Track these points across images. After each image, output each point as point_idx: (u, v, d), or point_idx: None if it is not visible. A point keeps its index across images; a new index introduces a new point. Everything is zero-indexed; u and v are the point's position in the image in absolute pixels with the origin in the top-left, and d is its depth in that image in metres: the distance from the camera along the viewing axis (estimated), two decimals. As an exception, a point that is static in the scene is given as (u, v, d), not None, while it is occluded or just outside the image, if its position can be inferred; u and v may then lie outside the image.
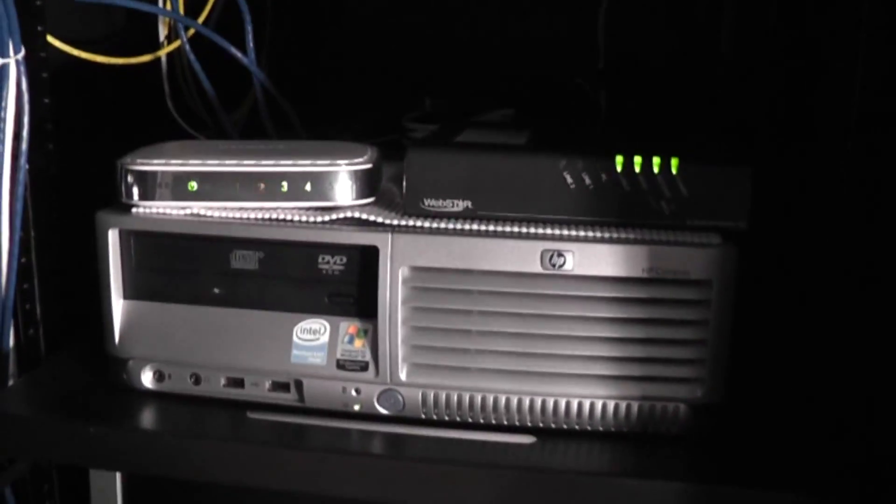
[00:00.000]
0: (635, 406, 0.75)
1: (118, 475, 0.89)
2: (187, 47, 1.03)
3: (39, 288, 0.91)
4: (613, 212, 0.75)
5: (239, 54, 1.02)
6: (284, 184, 0.78)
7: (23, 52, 0.84)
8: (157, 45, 1.07)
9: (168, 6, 1.03)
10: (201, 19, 1.05)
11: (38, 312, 0.91)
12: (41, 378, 0.88)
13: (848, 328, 0.81)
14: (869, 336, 0.77)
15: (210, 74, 1.05)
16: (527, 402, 0.76)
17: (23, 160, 0.85)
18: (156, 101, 1.09)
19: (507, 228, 0.76)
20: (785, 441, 0.77)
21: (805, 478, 0.72)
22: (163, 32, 1.08)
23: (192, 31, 1.04)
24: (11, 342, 0.89)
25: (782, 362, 0.90)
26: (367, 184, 0.79)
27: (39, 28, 0.89)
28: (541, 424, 0.77)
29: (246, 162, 0.78)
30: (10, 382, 0.89)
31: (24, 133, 0.85)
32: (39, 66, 0.89)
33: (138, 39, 1.07)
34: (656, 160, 0.74)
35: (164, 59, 1.08)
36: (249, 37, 1.03)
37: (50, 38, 0.91)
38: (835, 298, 0.85)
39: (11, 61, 0.83)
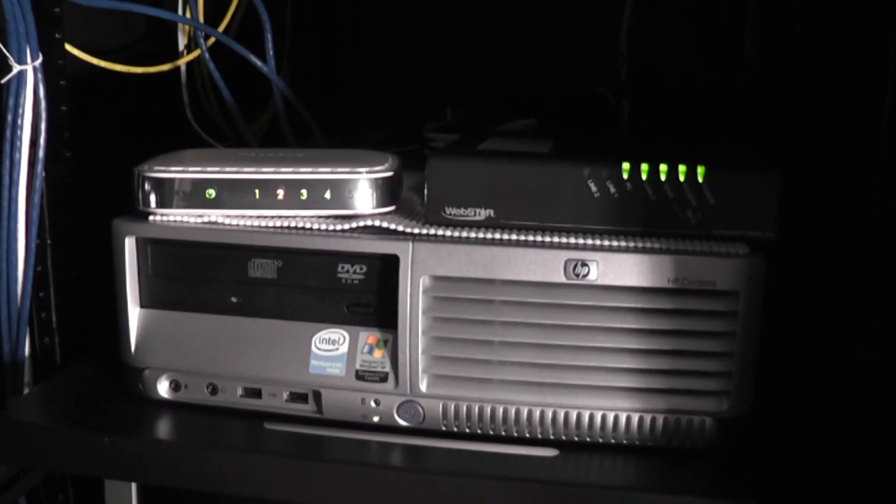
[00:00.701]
0: (660, 419, 0.74)
1: (133, 486, 0.88)
2: (206, 56, 1.02)
3: (55, 296, 0.90)
4: (638, 221, 0.74)
5: (258, 62, 1.02)
6: (304, 191, 0.77)
7: (40, 59, 0.83)
8: (176, 55, 1.07)
9: (188, 15, 1.02)
10: (221, 28, 1.05)
11: (54, 321, 0.91)
12: (56, 387, 0.87)
13: (879, 339, 0.80)
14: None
15: (230, 85, 1.04)
16: (549, 414, 0.75)
17: (39, 167, 0.85)
18: (175, 110, 1.08)
19: (530, 237, 0.74)
20: (814, 456, 0.76)
21: (835, 494, 0.71)
22: (182, 42, 1.07)
23: (211, 40, 1.03)
24: (27, 351, 0.88)
25: (811, 375, 0.88)
26: (388, 192, 0.78)
27: (57, 35, 0.89)
28: (563, 437, 0.75)
29: (265, 169, 0.77)
30: (26, 391, 0.89)
31: (41, 140, 0.84)
32: (57, 73, 0.89)
33: (158, 49, 1.07)
34: (682, 168, 0.72)
35: (183, 68, 1.08)
36: (269, 45, 1.03)
37: (68, 46, 0.91)
38: (865, 309, 0.84)
39: (29, 68, 0.82)
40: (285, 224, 0.78)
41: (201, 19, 1.02)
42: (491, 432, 0.76)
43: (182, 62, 1.06)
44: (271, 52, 1.03)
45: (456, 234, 0.75)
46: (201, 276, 0.79)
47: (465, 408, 0.75)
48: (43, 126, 0.84)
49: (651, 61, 1.16)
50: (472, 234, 0.75)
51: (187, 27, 1.06)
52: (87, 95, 0.95)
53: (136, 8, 0.95)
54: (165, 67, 1.03)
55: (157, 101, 1.07)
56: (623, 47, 1.15)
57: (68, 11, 0.90)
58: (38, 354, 0.90)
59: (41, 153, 0.85)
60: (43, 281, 0.89)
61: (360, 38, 1.34)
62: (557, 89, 1.17)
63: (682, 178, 0.73)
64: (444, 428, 0.76)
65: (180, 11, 1.04)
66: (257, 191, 0.77)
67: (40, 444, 0.80)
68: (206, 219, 0.78)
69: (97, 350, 0.92)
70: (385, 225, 0.76)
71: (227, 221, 0.78)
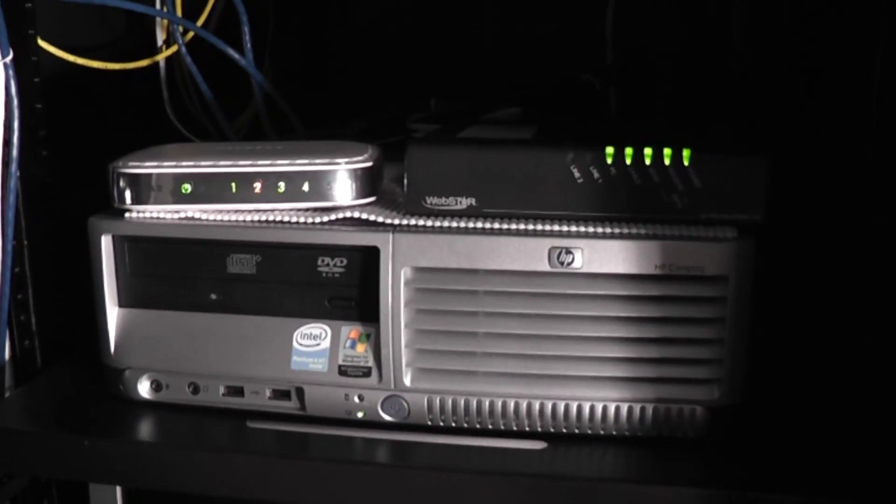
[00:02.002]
0: (650, 409, 0.73)
1: (118, 488, 0.87)
2: (184, 50, 1.01)
3: (34, 298, 0.89)
4: (624, 206, 0.72)
5: (235, 55, 1.00)
6: (282, 184, 0.75)
7: (11, 55, 0.81)
8: (155, 50, 1.05)
9: (165, 10, 1.01)
10: (200, 22, 1.03)
11: (34, 323, 0.89)
12: (38, 390, 0.86)
13: (872, 324, 0.79)
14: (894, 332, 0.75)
15: (213, 81, 1.03)
16: (537, 406, 0.73)
17: (14, 167, 0.83)
18: (155, 107, 1.07)
19: (513, 226, 0.73)
20: (807, 443, 0.75)
21: (829, 482, 0.69)
22: (161, 37, 1.06)
23: (190, 35, 1.02)
24: (7, 354, 0.87)
25: (803, 361, 0.87)
26: (368, 183, 0.77)
27: (30, 31, 0.87)
28: (551, 429, 0.74)
29: (241, 162, 0.76)
30: (7, 395, 0.87)
31: (15, 139, 0.83)
32: (31, 70, 0.87)
33: (137, 44, 1.05)
34: (667, 151, 0.71)
35: (162, 63, 1.06)
36: (246, 37, 1.01)
37: (42, 42, 0.89)
38: (857, 292, 0.82)
39: (-1, 64, 0.81)
40: (263, 218, 0.76)
41: (179, 13, 1.01)
42: (477, 426, 0.75)
43: (160, 57, 1.04)
44: (248, 45, 1.01)
45: (437, 223, 0.74)
46: (179, 274, 0.78)
47: (450, 401, 0.74)
48: (16, 124, 0.82)
49: (638, 48, 1.15)
50: (454, 224, 0.73)
51: (166, 22, 1.04)
52: (63, 93, 0.93)
53: (110, 1, 0.93)
54: (143, 63, 1.02)
55: (137, 97, 1.05)
56: (609, 33, 1.13)
57: (41, 6, 0.88)
58: (18, 358, 0.89)
59: (15, 152, 0.83)
60: (21, 283, 0.88)
61: (344, 31, 1.32)
62: (543, 77, 1.16)
63: (667, 161, 0.71)
64: (429, 422, 0.75)
65: (157, 5, 1.02)
66: (234, 184, 0.75)
67: (22, 449, 0.79)
68: (182, 214, 0.77)
69: (79, 352, 0.90)
70: (365, 216, 0.75)
71: (203, 217, 0.77)
